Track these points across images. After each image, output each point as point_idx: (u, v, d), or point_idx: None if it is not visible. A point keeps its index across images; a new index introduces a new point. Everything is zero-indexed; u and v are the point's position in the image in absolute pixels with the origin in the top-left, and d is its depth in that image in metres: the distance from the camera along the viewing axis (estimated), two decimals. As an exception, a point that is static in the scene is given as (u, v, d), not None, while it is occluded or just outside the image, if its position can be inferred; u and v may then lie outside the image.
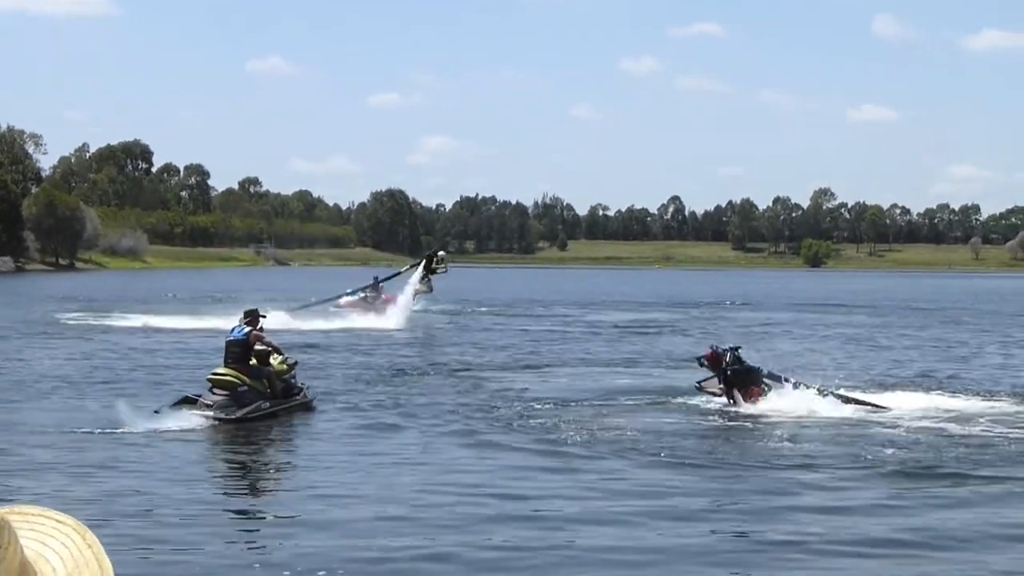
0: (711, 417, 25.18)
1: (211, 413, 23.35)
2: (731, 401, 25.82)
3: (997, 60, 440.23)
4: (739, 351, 26.64)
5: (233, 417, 23.37)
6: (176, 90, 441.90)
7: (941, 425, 23.99)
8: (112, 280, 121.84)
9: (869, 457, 20.26)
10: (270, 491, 18.39)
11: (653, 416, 25.21)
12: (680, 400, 27.46)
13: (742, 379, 25.91)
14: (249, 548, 14.26)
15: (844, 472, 19.02)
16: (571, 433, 22.27)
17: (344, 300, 61.18)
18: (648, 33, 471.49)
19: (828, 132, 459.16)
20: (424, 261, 57.79)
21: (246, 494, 18.27)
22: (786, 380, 26.37)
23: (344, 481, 18.07)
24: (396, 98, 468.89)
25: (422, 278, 56.48)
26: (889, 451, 20.81)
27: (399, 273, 60.58)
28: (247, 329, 24.92)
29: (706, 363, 26.50)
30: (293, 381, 25.71)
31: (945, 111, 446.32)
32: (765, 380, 26.39)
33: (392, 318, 54.16)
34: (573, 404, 26.81)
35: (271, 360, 24.94)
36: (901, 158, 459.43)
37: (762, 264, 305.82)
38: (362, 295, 61.80)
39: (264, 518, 16.16)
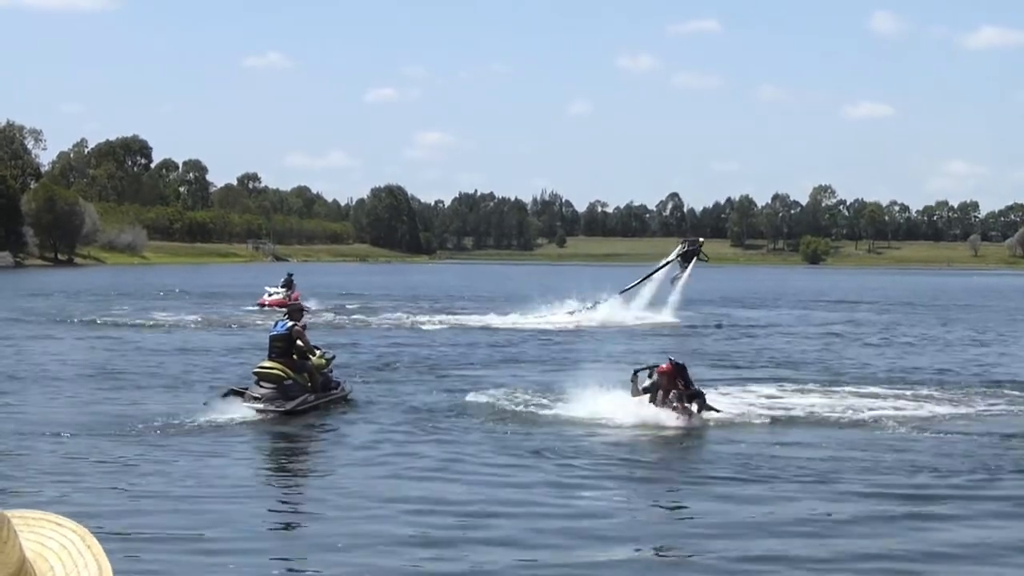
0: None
1: (260, 405, 23.83)
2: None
3: (995, 57, 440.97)
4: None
5: (284, 409, 23.90)
6: (174, 86, 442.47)
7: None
8: (136, 274, 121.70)
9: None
10: (313, 497, 17.87)
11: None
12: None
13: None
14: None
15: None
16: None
17: (268, 299, 62.75)
18: (646, 30, 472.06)
19: (827, 129, 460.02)
20: (687, 252, 58.56)
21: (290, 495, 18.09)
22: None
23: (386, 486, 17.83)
24: (393, 93, 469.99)
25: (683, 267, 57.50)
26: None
27: (658, 269, 60.33)
28: (289, 323, 25.25)
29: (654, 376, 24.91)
30: (331, 375, 26.19)
31: (943, 108, 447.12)
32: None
33: (668, 312, 56.02)
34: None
35: (309, 355, 25.30)
36: (900, 155, 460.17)
37: (761, 261, 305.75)
38: (279, 294, 63.10)
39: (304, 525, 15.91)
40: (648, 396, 24.47)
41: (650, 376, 24.89)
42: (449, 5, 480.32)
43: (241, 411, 23.49)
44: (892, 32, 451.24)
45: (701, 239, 61.96)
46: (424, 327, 52.46)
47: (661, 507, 17.02)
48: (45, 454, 19.45)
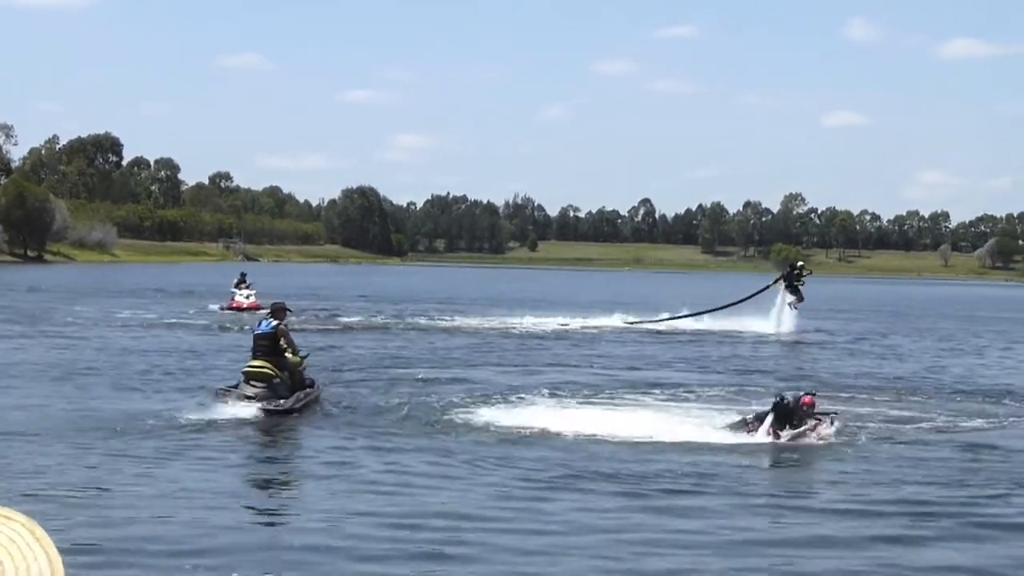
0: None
1: (258, 404, 23.86)
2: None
3: (969, 68, 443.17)
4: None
5: (284, 408, 24.07)
6: (148, 84, 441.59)
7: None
8: (115, 273, 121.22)
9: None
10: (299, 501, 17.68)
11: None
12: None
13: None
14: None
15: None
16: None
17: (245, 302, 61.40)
18: (623, 35, 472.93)
19: (800, 137, 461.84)
20: (784, 276, 58.41)
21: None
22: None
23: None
24: (369, 95, 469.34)
25: (790, 289, 57.08)
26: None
27: (767, 287, 59.78)
28: (274, 322, 25.36)
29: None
30: (304, 373, 26.16)
31: (917, 118, 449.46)
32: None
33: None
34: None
35: (290, 353, 25.38)
36: (872, 164, 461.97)
37: (732, 268, 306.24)
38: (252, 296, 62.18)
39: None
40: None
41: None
42: (426, 8, 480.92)
43: (238, 410, 23.52)
44: (867, 41, 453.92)
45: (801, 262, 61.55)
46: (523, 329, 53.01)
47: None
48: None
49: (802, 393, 24.07)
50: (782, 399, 23.36)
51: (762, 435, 22.74)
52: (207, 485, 17.39)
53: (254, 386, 24.43)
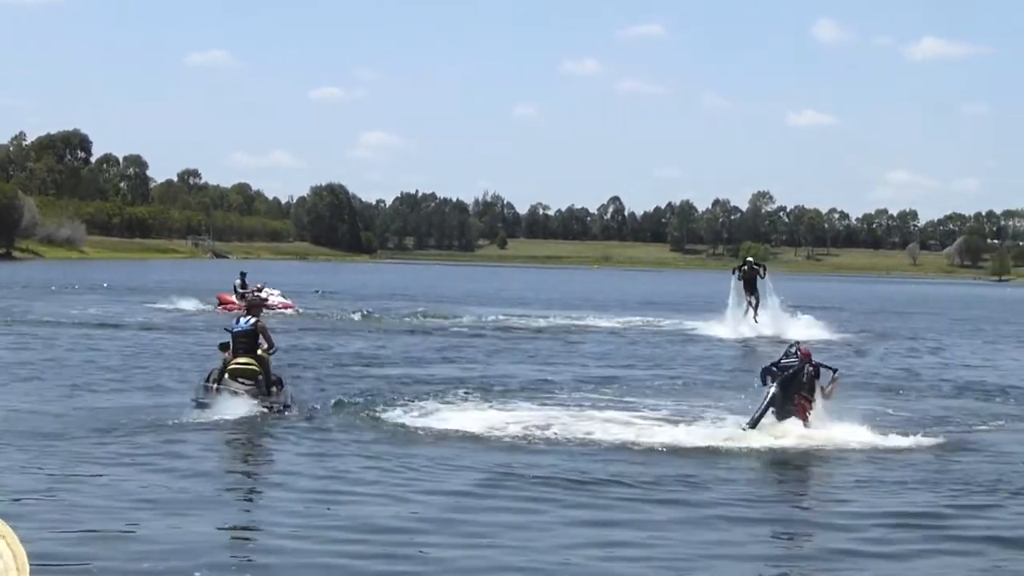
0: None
1: (254, 402, 23.84)
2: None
3: (937, 68, 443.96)
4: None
5: (283, 404, 24.28)
6: (116, 80, 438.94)
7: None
8: (98, 269, 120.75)
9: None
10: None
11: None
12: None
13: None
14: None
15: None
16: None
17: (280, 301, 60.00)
18: (591, 34, 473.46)
19: (768, 136, 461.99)
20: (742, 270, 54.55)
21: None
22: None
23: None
24: (338, 92, 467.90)
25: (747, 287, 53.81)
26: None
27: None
28: (253, 320, 25.26)
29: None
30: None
31: (885, 118, 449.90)
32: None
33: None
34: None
35: (269, 350, 25.42)
36: (840, 163, 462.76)
37: (701, 266, 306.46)
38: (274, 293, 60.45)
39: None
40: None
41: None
42: (395, 6, 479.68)
43: (231, 408, 23.41)
44: (835, 41, 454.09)
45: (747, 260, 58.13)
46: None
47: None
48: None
49: (797, 346, 23.52)
50: (790, 366, 22.58)
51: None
52: (179, 491, 17.31)
53: (242, 383, 24.35)
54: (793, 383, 22.44)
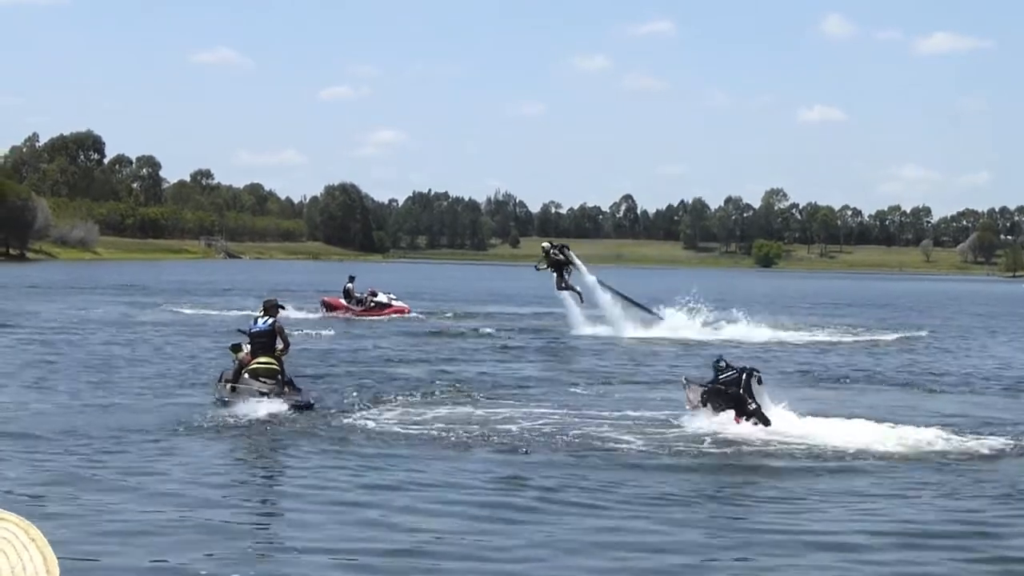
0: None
1: (281, 400, 24.00)
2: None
3: (947, 62, 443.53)
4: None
5: (308, 402, 24.30)
6: (128, 81, 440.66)
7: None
8: (110, 271, 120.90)
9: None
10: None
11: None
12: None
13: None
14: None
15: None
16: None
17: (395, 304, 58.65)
18: (599, 31, 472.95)
19: (779, 132, 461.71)
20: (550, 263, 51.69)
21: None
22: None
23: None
24: (347, 91, 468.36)
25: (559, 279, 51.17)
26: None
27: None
28: (271, 320, 25.45)
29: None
30: None
31: (896, 112, 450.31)
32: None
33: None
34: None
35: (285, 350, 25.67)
36: (852, 159, 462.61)
37: (713, 264, 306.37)
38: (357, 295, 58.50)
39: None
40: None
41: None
42: (404, 4, 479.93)
43: (261, 407, 23.49)
44: (845, 36, 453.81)
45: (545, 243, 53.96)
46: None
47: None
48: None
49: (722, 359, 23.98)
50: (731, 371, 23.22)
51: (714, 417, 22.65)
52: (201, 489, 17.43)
53: (264, 382, 24.54)
54: (743, 390, 22.88)
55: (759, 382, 23.18)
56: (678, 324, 49.89)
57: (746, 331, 49.53)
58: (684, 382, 23.99)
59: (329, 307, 57.63)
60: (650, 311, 52.16)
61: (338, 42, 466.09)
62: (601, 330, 48.76)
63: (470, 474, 18.24)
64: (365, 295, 58.13)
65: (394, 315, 56.59)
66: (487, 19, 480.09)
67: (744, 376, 23.00)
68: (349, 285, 58.76)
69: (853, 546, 14.43)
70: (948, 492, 17.59)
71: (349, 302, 57.76)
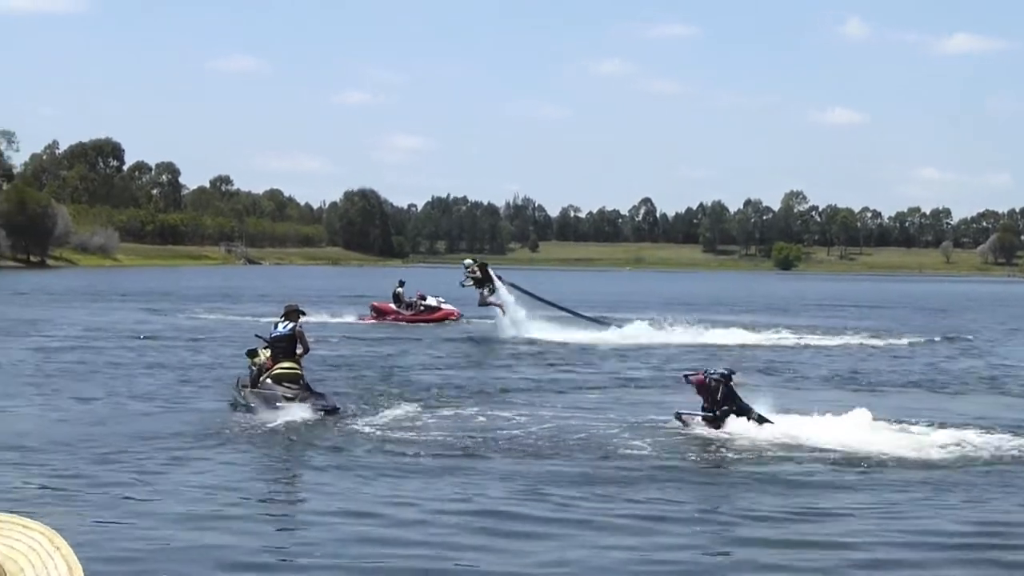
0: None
1: (307, 404, 24.23)
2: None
3: (967, 63, 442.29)
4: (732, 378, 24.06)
5: (333, 406, 24.55)
6: (148, 88, 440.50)
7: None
8: (135, 277, 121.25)
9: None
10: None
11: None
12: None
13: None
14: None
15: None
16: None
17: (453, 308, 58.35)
18: (620, 35, 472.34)
19: (798, 135, 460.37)
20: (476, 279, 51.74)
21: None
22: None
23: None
24: (365, 97, 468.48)
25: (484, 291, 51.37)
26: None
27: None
28: (291, 325, 25.65)
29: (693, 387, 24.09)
30: None
31: (916, 114, 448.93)
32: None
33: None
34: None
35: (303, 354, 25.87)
36: (871, 161, 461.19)
37: (733, 267, 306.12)
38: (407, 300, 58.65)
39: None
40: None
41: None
42: (422, 8, 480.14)
43: (289, 413, 23.69)
44: (864, 38, 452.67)
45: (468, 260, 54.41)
46: None
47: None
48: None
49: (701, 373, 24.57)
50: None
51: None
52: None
53: (288, 387, 24.72)
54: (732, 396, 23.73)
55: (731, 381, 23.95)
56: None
57: (776, 337, 50.16)
58: (679, 419, 24.12)
59: (379, 312, 58.02)
60: (597, 321, 53.17)
61: (356, 47, 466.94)
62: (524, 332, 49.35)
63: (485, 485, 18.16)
64: (414, 299, 58.43)
65: (445, 319, 56.79)
66: (505, 23, 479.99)
67: (726, 381, 23.73)
68: (399, 290, 59.11)
69: (882, 555, 14.33)
70: (977, 498, 17.47)
71: (399, 306, 58.05)
